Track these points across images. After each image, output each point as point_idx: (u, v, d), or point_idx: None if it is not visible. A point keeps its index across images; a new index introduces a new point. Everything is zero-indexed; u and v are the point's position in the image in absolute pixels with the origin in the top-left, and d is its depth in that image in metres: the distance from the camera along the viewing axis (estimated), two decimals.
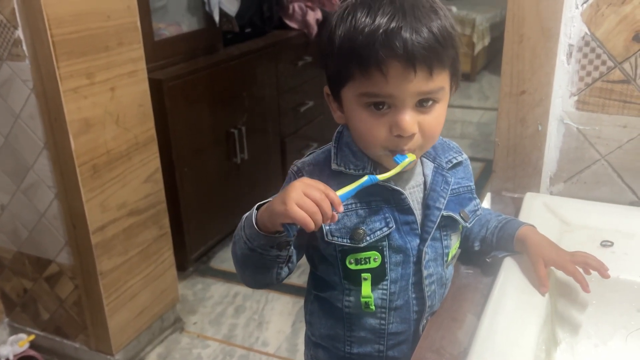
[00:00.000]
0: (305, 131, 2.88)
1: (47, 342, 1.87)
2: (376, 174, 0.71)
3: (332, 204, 0.64)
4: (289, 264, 0.75)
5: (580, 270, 0.77)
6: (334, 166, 0.75)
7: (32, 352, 1.84)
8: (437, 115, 0.71)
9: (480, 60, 5.04)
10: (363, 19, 0.66)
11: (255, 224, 0.68)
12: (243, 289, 2.20)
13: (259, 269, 0.73)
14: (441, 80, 0.69)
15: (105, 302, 1.69)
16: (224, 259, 2.42)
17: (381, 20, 0.65)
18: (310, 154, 0.80)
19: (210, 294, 2.20)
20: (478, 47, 4.82)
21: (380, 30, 0.64)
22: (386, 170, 0.74)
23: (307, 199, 0.63)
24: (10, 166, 1.64)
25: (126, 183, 1.68)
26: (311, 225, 0.63)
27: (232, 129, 2.36)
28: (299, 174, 0.76)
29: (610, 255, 0.87)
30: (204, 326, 2.03)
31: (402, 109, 0.68)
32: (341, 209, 0.65)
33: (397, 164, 0.70)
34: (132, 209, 1.72)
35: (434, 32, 0.66)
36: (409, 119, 0.67)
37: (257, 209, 0.69)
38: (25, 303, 1.86)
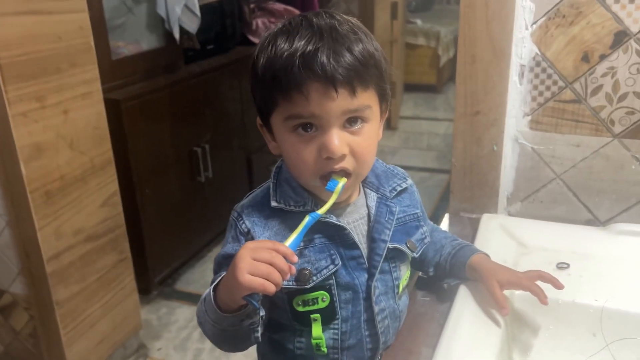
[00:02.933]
0: None
1: None
2: (316, 210, 0.69)
3: (285, 258, 0.62)
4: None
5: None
6: (273, 203, 0.73)
7: None
8: (367, 137, 0.69)
9: (445, 72, 5.10)
10: (282, 45, 0.65)
11: (217, 307, 0.65)
12: None
13: (237, 340, 0.71)
14: (366, 99, 0.67)
15: (63, 332, 1.62)
16: (190, 281, 2.37)
17: (299, 44, 0.64)
18: (248, 195, 0.78)
19: (175, 318, 2.14)
20: (443, 59, 4.88)
21: (298, 53, 0.64)
22: (326, 202, 0.72)
23: (257, 263, 0.61)
24: None
25: (82, 208, 1.63)
26: (271, 288, 0.61)
27: (195, 147, 2.32)
28: (239, 219, 0.74)
29: (566, 278, 0.86)
30: (169, 352, 1.97)
31: (329, 129, 0.66)
32: (295, 259, 0.63)
33: (331, 191, 0.68)
34: (89, 235, 1.67)
35: (354, 53, 0.65)
36: (337, 139, 0.66)
37: (214, 290, 0.67)
38: None
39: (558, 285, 0.76)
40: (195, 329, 2.07)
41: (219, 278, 0.67)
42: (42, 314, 1.62)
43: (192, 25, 2.31)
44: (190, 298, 2.26)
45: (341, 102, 0.65)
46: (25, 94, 1.42)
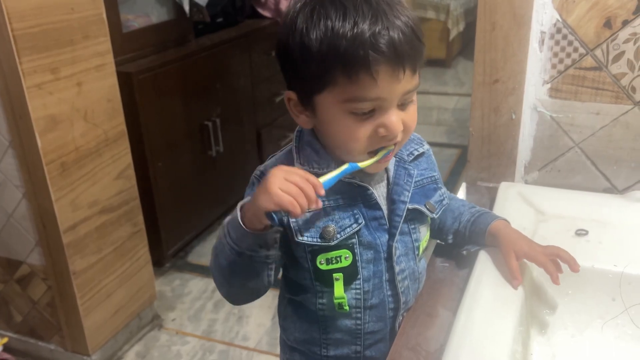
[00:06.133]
0: (281, 122, 2.85)
1: (21, 344, 1.83)
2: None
3: (314, 188, 0.63)
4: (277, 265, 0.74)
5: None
6: (297, 165, 0.73)
7: (6, 355, 1.79)
8: (413, 111, 0.70)
9: (455, 46, 5.05)
10: (341, 23, 0.62)
11: (243, 223, 0.66)
12: None
13: (250, 275, 0.71)
14: (418, 76, 0.68)
15: (80, 302, 1.65)
16: (202, 254, 2.39)
17: (364, 25, 0.62)
18: (271, 157, 0.78)
19: (189, 290, 2.17)
20: (453, 33, 4.82)
21: (367, 35, 0.62)
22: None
23: (289, 183, 0.62)
24: None
25: (97, 180, 1.64)
26: (297, 210, 0.61)
27: (206, 121, 2.32)
28: (262, 177, 0.74)
29: (585, 244, 0.87)
30: (183, 322, 2.01)
31: (389, 110, 0.66)
32: (323, 192, 0.64)
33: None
34: (104, 207, 1.68)
35: (414, 29, 0.65)
36: (396, 119, 0.66)
37: (240, 209, 0.67)
38: None
39: (574, 268, 0.76)
40: (209, 300, 2.10)
41: (247, 198, 0.68)
42: (60, 284, 1.64)
43: None
44: (203, 270, 2.29)
45: (405, 82, 0.65)
46: (39, 66, 1.43)
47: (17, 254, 1.67)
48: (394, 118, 0.66)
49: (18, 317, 1.79)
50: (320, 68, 0.65)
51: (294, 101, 0.72)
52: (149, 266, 1.93)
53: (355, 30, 0.62)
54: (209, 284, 2.19)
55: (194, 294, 2.14)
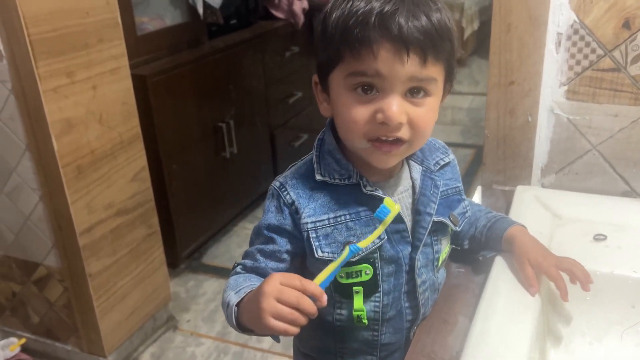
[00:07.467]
0: (294, 122, 2.85)
1: (38, 345, 1.85)
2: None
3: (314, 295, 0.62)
4: None
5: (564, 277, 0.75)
6: (318, 177, 0.72)
7: (24, 356, 1.82)
8: (428, 109, 0.67)
9: (469, 45, 5.00)
10: (358, 3, 0.64)
11: (238, 324, 0.68)
12: None
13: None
14: (435, 72, 0.65)
15: (96, 303, 1.67)
16: (216, 255, 2.40)
17: (377, 3, 0.63)
18: (290, 167, 0.77)
19: (203, 291, 2.18)
20: (467, 32, 4.78)
21: (375, 12, 0.62)
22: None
23: (282, 306, 0.60)
24: None
25: (112, 183, 1.65)
26: (293, 331, 0.61)
27: (220, 123, 2.32)
28: (282, 189, 0.73)
29: (603, 250, 0.85)
30: (198, 323, 2.01)
31: (391, 94, 0.64)
32: (324, 301, 0.62)
33: (380, 219, 0.65)
34: (120, 209, 1.70)
35: (432, 20, 0.63)
36: (397, 106, 0.63)
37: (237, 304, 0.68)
38: (15, 307, 1.83)
39: (585, 287, 0.74)
40: None
41: (243, 295, 0.67)
42: (76, 286, 1.66)
43: None
44: (217, 271, 2.29)
45: (410, 67, 0.63)
46: (55, 70, 1.44)
47: (34, 255, 1.69)
48: (394, 105, 0.63)
49: (35, 318, 1.81)
50: (332, 45, 0.66)
51: (318, 85, 0.72)
52: (164, 268, 1.94)
53: (366, 8, 0.63)
54: (223, 285, 2.19)
55: (209, 295, 2.15)
